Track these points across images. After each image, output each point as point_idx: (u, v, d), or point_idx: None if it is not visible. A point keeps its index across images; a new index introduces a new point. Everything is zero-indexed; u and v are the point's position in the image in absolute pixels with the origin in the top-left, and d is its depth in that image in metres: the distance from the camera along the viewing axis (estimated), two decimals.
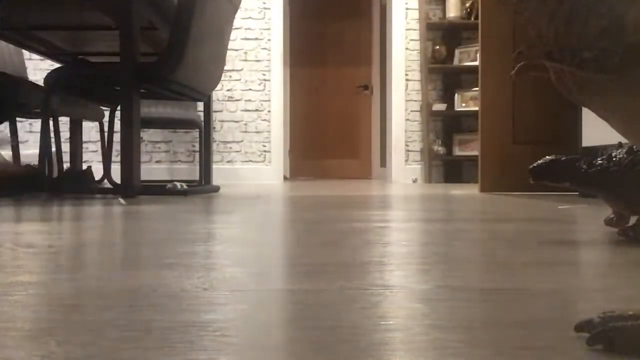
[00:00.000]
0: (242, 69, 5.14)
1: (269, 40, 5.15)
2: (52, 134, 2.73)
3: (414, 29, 5.21)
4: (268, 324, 0.51)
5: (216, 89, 4.75)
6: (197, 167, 5.04)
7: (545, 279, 0.72)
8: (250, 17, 5.14)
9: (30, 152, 3.99)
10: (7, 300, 0.60)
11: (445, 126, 5.26)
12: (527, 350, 0.44)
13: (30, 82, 2.90)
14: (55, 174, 2.74)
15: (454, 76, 5.25)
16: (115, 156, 4.71)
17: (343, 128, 7.09)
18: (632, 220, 1.14)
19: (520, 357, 0.42)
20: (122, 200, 2.31)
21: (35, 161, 2.74)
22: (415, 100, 5.23)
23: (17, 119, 2.92)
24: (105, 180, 3.04)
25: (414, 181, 5.21)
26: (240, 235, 1.17)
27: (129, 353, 0.43)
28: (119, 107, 2.61)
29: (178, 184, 2.82)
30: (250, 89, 5.14)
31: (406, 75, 5.23)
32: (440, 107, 5.09)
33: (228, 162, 5.14)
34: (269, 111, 5.15)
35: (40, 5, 2.46)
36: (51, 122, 2.64)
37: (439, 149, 5.13)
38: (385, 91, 5.79)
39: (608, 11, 0.41)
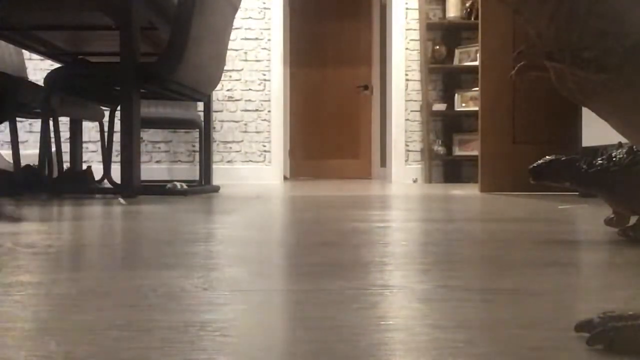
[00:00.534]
0: (242, 69, 5.14)
1: (269, 40, 5.15)
2: (52, 134, 2.73)
3: (414, 29, 5.21)
4: (268, 324, 0.51)
5: (216, 89, 4.74)
6: (197, 167, 5.04)
7: (545, 279, 0.72)
8: (250, 17, 5.14)
9: (30, 152, 3.99)
10: (7, 300, 0.60)
11: (445, 126, 5.26)
12: (527, 350, 0.44)
13: (30, 82, 2.90)
14: (55, 174, 2.74)
15: (454, 76, 5.25)
16: (115, 156, 4.70)
17: (343, 128, 7.09)
18: (632, 220, 1.14)
19: (520, 357, 0.42)
20: (122, 200, 2.31)
21: (35, 161, 2.74)
22: (415, 100, 5.23)
23: (17, 119, 2.92)
24: (105, 180, 3.04)
25: (414, 181, 5.21)
26: (240, 235, 1.17)
27: (129, 353, 0.43)
28: (119, 107, 2.61)
29: (178, 184, 2.82)
30: (250, 89, 5.14)
31: (406, 75, 5.23)
32: (440, 107, 5.09)
33: (228, 162, 5.14)
34: (269, 111, 5.15)
35: (40, 5, 2.46)
36: (51, 122, 2.64)
37: (439, 149, 5.13)
38: (385, 91, 5.79)
39: (608, 11, 0.41)
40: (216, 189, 3.26)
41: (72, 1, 2.44)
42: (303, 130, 7.08)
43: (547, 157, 1.13)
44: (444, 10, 5.21)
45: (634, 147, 1.04)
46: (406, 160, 5.24)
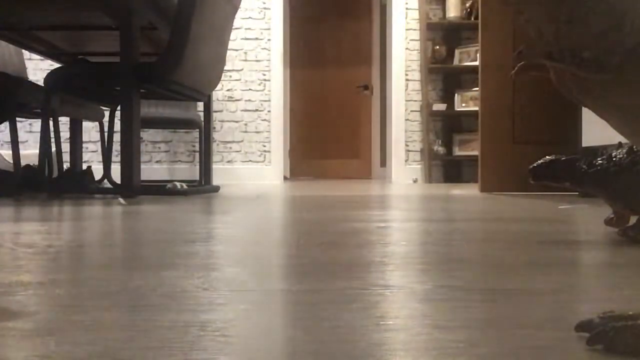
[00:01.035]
0: (242, 69, 5.14)
1: (269, 40, 5.15)
2: (52, 134, 2.73)
3: (414, 29, 5.21)
4: (268, 324, 0.51)
5: (216, 89, 4.74)
6: (197, 167, 5.04)
7: (545, 279, 0.72)
8: (250, 17, 5.14)
9: (30, 152, 3.99)
10: (7, 300, 0.60)
11: (445, 126, 5.26)
12: (527, 350, 0.44)
13: (30, 82, 2.90)
14: (55, 174, 2.74)
15: (454, 76, 5.25)
16: (115, 156, 4.70)
17: (343, 128, 7.09)
18: (632, 220, 1.14)
19: (520, 357, 0.42)
20: (122, 200, 2.31)
21: (35, 161, 2.74)
22: (415, 100, 5.23)
23: (17, 119, 2.92)
24: (105, 180, 3.04)
25: (414, 181, 5.21)
26: (241, 235, 1.17)
27: (129, 353, 0.43)
28: (119, 107, 2.61)
29: (178, 184, 2.82)
30: (250, 89, 5.14)
31: (406, 75, 5.23)
32: (440, 107, 5.09)
33: (228, 162, 5.14)
34: (269, 111, 5.15)
35: (40, 5, 2.45)
36: (51, 122, 2.64)
37: (439, 149, 5.13)
38: (385, 91, 5.79)
39: (608, 11, 0.41)
40: (216, 189, 3.26)
41: (72, 1, 2.44)
42: (303, 130, 7.07)
43: (547, 157, 1.13)
44: (444, 10, 5.21)
45: (634, 147, 1.04)
46: (406, 160, 5.24)
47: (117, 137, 4.52)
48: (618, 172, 1.04)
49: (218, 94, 5.10)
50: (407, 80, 5.23)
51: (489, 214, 1.74)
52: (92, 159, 5.04)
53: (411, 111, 5.24)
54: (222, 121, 5.12)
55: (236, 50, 5.12)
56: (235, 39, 5.12)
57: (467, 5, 5.09)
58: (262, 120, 5.15)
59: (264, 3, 5.14)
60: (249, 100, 5.14)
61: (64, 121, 4.35)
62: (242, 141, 5.14)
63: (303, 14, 7.02)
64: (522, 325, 0.51)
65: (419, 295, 0.63)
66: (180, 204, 2.12)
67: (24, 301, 0.60)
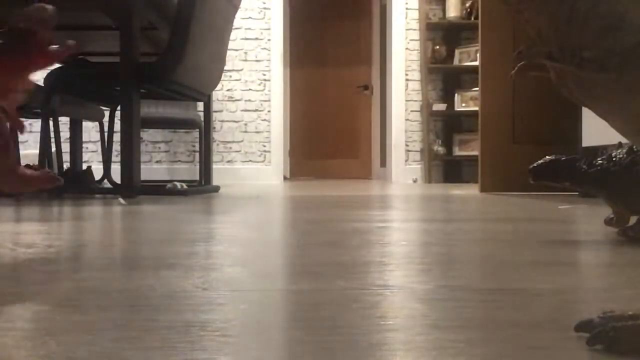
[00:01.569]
0: (242, 69, 5.14)
1: (269, 40, 5.15)
2: (52, 134, 2.73)
3: (414, 29, 5.21)
4: (268, 324, 0.51)
5: (216, 89, 4.74)
6: (197, 167, 5.03)
7: (545, 279, 0.72)
8: (250, 17, 5.14)
9: (30, 152, 3.99)
10: (8, 300, 0.60)
11: (445, 126, 5.26)
12: (527, 350, 0.44)
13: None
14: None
15: (454, 76, 5.25)
16: (115, 156, 4.70)
17: (343, 128, 7.09)
18: (632, 220, 1.14)
19: (520, 357, 0.42)
20: (122, 200, 2.31)
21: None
22: (415, 100, 5.23)
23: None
24: (105, 180, 3.04)
25: (414, 181, 5.21)
26: (241, 235, 1.17)
27: (129, 353, 0.43)
28: (119, 107, 2.61)
29: (178, 184, 2.82)
30: (250, 89, 5.14)
31: (406, 75, 5.23)
32: (440, 107, 5.09)
33: (228, 162, 5.14)
34: (269, 111, 5.15)
35: None
36: (51, 122, 2.64)
37: (439, 149, 5.13)
38: (385, 91, 5.78)
39: (608, 11, 0.41)
40: (216, 189, 3.26)
41: (72, 1, 2.44)
42: (303, 130, 7.07)
43: (547, 157, 1.13)
44: (444, 10, 5.21)
45: (634, 147, 1.04)
46: (406, 161, 5.24)
47: (117, 137, 4.51)
48: (618, 172, 1.04)
49: (218, 94, 5.10)
50: (407, 80, 5.23)
51: (488, 214, 1.74)
52: (92, 159, 5.04)
53: (411, 111, 5.24)
54: (222, 121, 5.12)
55: (236, 50, 5.12)
56: (235, 39, 5.12)
57: (467, 5, 5.09)
58: (262, 120, 5.15)
59: (264, 3, 5.14)
60: (249, 100, 5.14)
61: (64, 121, 4.34)
62: (242, 141, 5.14)
63: (303, 14, 7.02)
64: (522, 325, 0.51)
65: (419, 295, 0.63)
66: (180, 204, 2.12)
67: (24, 301, 0.60)
